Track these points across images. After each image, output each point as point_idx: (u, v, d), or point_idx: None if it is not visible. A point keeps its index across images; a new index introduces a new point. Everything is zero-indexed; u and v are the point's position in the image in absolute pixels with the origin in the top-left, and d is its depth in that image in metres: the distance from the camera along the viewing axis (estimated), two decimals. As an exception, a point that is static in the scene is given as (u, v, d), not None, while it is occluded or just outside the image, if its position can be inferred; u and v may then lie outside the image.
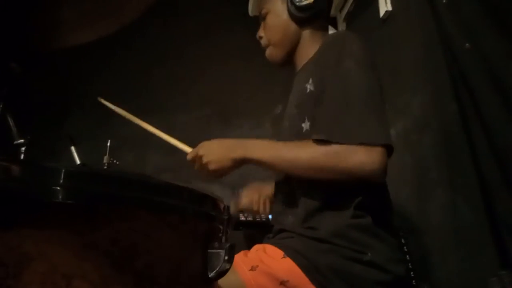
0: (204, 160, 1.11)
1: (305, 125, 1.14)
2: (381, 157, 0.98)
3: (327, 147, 1.01)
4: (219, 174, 1.12)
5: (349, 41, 1.13)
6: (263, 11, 1.31)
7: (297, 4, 1.22)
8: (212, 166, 1.10)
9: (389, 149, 1.01)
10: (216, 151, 1.12)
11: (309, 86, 1.16)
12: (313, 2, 1.22)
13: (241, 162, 1.09)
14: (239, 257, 1.05)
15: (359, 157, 0.97)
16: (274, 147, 1.12)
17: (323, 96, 1.09)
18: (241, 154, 1.09)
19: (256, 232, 1.54)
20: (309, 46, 1.25)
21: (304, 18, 1.25)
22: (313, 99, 1.13)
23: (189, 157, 1.17)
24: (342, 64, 1.08)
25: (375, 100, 1.05)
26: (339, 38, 1.17)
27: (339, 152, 0.99)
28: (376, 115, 1.02)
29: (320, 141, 1.01)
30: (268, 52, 1.32)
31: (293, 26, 1.26)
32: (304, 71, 1.24)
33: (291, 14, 1.25)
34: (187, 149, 1.24)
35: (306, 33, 1.27)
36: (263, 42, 1.32)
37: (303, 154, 1.04)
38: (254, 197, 1.46)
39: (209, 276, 0.62)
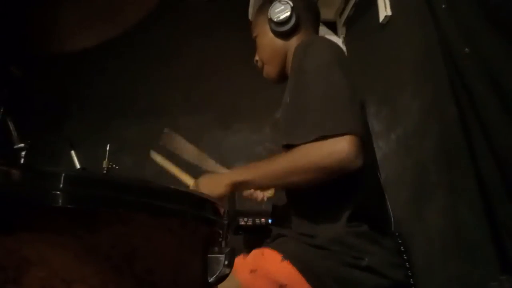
0: (200, 187, 1.16)
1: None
2: (348, 144, 0.97)
3: (295, 151, 1.03)
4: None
5: (311, 44, 1.16)
6: (254, 36, 1.39)
7: (276, 20, 1.28)
8: (204, 191, 1.14)
9: (357, 136, 0.99)
10: (209, 181, 1.17)
11: (286, 99, 1.21)
12: (290, 14, 1.27)
13: (233, 186, 1.11)
14: (238, 261, 1.06)
15: (326, 150, 0.98)
16: (255, 166, 1.14)
17: (290, 103, 1.14)
18: (230, 179, 1.11)
19: (255, 236, 1.54)
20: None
21: (285, 31, 1.30)
22: (285, 109, 1.19)
23: (192, 187, 1.24)
24: (301, 69, 1.12)
25: (332, 95, 1.05)
26: (303, 43, 1.19)
27: (306, 151, 1.01)
28: (334, 108, 1.02)
29: (289, 148, 1.05)
30: (264, 72, 1.39)
31: (278, 41, 1.32)
32: (287, 83, 1.28)
33: (273, 31, 1.31)
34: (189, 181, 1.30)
35: (293, 44, 1.29)
36: (259, 64, 1.39)
37: (277, 164, 1.07)
38: None
39: (209, 281, 0.62)
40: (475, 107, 1.23)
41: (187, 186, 1.29)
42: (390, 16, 1.79)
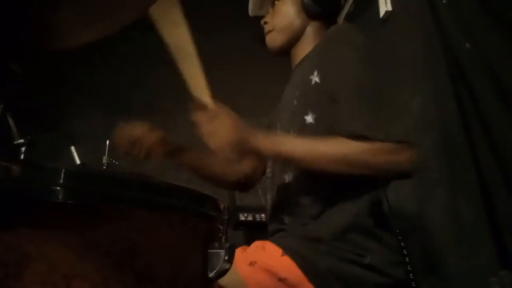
0: (223, 133, 1.02)
1: (308, 118, 1.12)
2: (412, 157, 0.98)
3: (367, 144, 0.97)
4: (224, 148, 1.01)
5: (349, 32, 1.14)
6: None
7: None
8: (227, 145, 1.01)
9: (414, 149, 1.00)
10: (241, 132, 1.02)
11: (315, 78, 1.14)
12: None
13: (269, 156, 1.05)
14: (238, 253, 1.04)
15: (402, 156, 0.98)
16: (308, 143, 1.05)
17: (331, 89, 1.07)
18: (272, 150, 1.04)
19: (256, 232, 1.54)
20: (310, 42, 1.25)
21: (316, 12, 1.25)
22: (319, 91, 1.11)
23: (203, 117, 1.08)
24: (344, 57, 1.08)
25: (381, 96, 1.04)
26: (340, 30, 1.17)
27: (381, 149, 0.97)
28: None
29: (354, 138, 0.98)
30: (269, 37, 1.31)
31: (302, 17, 1.26)
32: (307, 63, 1.22)
33: (304, 5, 1.25)
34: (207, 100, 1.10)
35: (311, 28, 1.27)
36: (267, 27, 1.31)
37: (340, 148, 1.00)
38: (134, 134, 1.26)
39: (209, 276, 0.62)
40: (475, 103, 1.23)
41: (202, 105, 1.10)
42: (391, 11, 1.79)
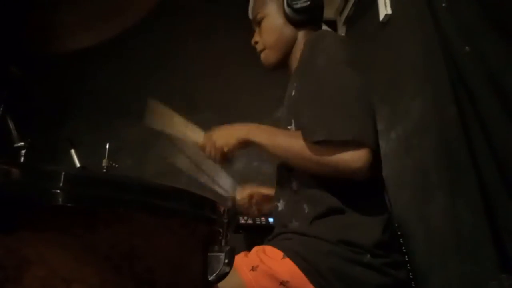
0: (213, 138, 1.19)
1: (291, 127, 1.18)
2: (367, 157, 0.99)
3: (315, 145, 1.03)
4: (226, 152, 1.18)
5: (322, 39, 1.15)
6: (259, 16, 1.32)
7: (294, 6, 1.24)
8: (219, 143, 1.17)
9: (372, 150, 1.01)
10: (224, 131, 1.20)
11: (294, 90, 1.20)
12: (310, 4, 1.24)
13: (244, 143, 1.16)
14: (239, 258, 1.06)
15: (345, 155, 1.00)
16: (274, 133, 1.16)
17: (301, 96, 1.13)
18: (244, 135, 1.16)
19: (256, 235, 1.54)
20: (301, 49, 1.26)
21: (301, 20, 1.27)
22: (295, 102, 1.18)
23: (202, 141, 1.25)
24: (316, 62, 1.10)
25: (350, 96, 1.05)
26: (316, 37, 1.18)
27: (326, 148, 1.01)
28: (356, 114, 1.03)
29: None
30: (263, 55, 1.33)
31: (289, 28, 1.28)
32: (293, 75, 1.27)
33: (287, 17, 1.27)
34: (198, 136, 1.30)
35: (301, 36, 1.28)
36: (259, 46, 1.33)
37: (295, 144, 1.07)
38: (244, 195, 1.51)
39: (209, 279, 0.62)
40: (475, 106, 1.23)
41: (194, 143, 1.28)
42: (391, 14, 1.79)
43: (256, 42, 1.34)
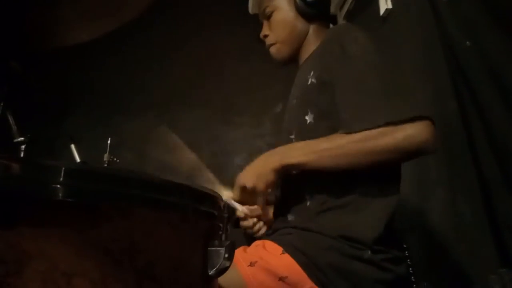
0: (249, 185, 1.07)
1: (309, 117, 1.13)
2: (427, 127, 0.96)
3: (369, 132, 0.98)
4: (267, 190, 1.08)
5: (351, 30, 1.14)
6: (268, 10, 1.30)
7: (308, 0, 1.23)
8: (259, 186, 1.06)
9: (432, 121, 0.97)
10: (254, 172, 1.08)
11: (311, 79, 1.15)
12: None
13: (282, 171, 1.05)
14: (238, 253, 1.05)
15: (406, 131, 0.96)
16: (310, 145, 1.06)
17: (327, 86, 1.08)
18: (278, 163, 1.05)
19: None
20: (313, 42, 1.26)
21: (313, 14, 1.25)
22: (315, 90, 1.13)
23: (234, 196, 1.13)
24: (348, 52, 1.07)
25: (392, 81, 1.04)
26: (341, 29, 1.18)
27: (385, 132, 0.97)
28: (403, 93, 1.02)
29: (361, 130, 0.99)
30: (274, 49, 1.30)
31: (301, 22, 1.27)
32: (307, 65, 1.24)
33: (299, 10, 1.25)
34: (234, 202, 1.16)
35: (313, 29, 1.28)
36: (269, 40, 1.30)
37: (347, 144, 1.01)
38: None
39: (209, 273, 0.62)
40: (475, 101, 1.23)
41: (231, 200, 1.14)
42: (391, 9, 1.79)
43: (266, 36, 1.31)
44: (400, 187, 1.14)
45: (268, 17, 1.30)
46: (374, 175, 1.05)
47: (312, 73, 1.16)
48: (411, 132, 0.95)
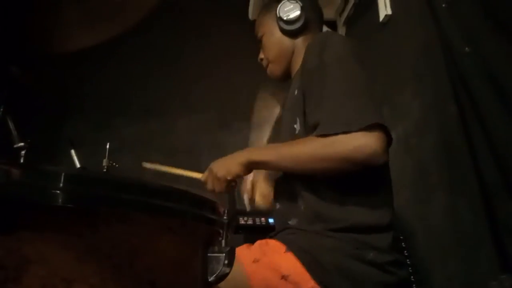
0: (214, 171, 1.15)
1: (297, 126, 1.18)
2: (376, 139, 0.97)
3: (325, 139, 1.01)
4: (229, 180, 1.15)
5: (328, 38, 1.16)
6: (259, 35, 1.40)
7: (285, 18, 1.30)
8: (220, 173, 1.14)
9: (386, 132, 0.99)
10: (223, 161, 1.17)
11: (297, 89, 1.21)
12: (300, 13, 1.30)
13: (248, 166, 1.12)
14: (242, 250, 1.09)
15: (356, 142, 0.97)
16: (276, 147, 1.15)
17: (306, 95, 1.13)
18: (245, 158, 1.12)
19: (256, 236, 1.54)
20: (301, 55, 1.27)
21: (294, 30, 1.32)
22: (300, 100, 1.17)
23: (203, 177, 1.22)
24: (322, 61, 1.10)
25: (357, 88, 1.05)
26: (318, 38, 1.19)
27: (337, 140, 0.99)
28: (361, 102, 1.02)
29: (318, 136, 1.02)
30: (268, 70, 1.40)
31: (286, 40, 1.34)
32: (295, 77, 1.30)
33: (282, 30, 1.33)
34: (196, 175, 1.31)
35: (299, 43, 1.33)
36: (264, 62, 1.40)
37: (303, 148, 1.05)
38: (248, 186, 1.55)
39: (209, 280, 0.62)
40: (475, 106, 1.23)
41: (196, 180, 1.28)
42: (391, 15, 1.79)
43: (261, 59, 1.41)
44: (392, 188, 1.17)
45: (260, 41, 1.40)
46: (359, 177, 1.05)
47: (298, 84, 1.21)
48: (361, 143, 0.97)
